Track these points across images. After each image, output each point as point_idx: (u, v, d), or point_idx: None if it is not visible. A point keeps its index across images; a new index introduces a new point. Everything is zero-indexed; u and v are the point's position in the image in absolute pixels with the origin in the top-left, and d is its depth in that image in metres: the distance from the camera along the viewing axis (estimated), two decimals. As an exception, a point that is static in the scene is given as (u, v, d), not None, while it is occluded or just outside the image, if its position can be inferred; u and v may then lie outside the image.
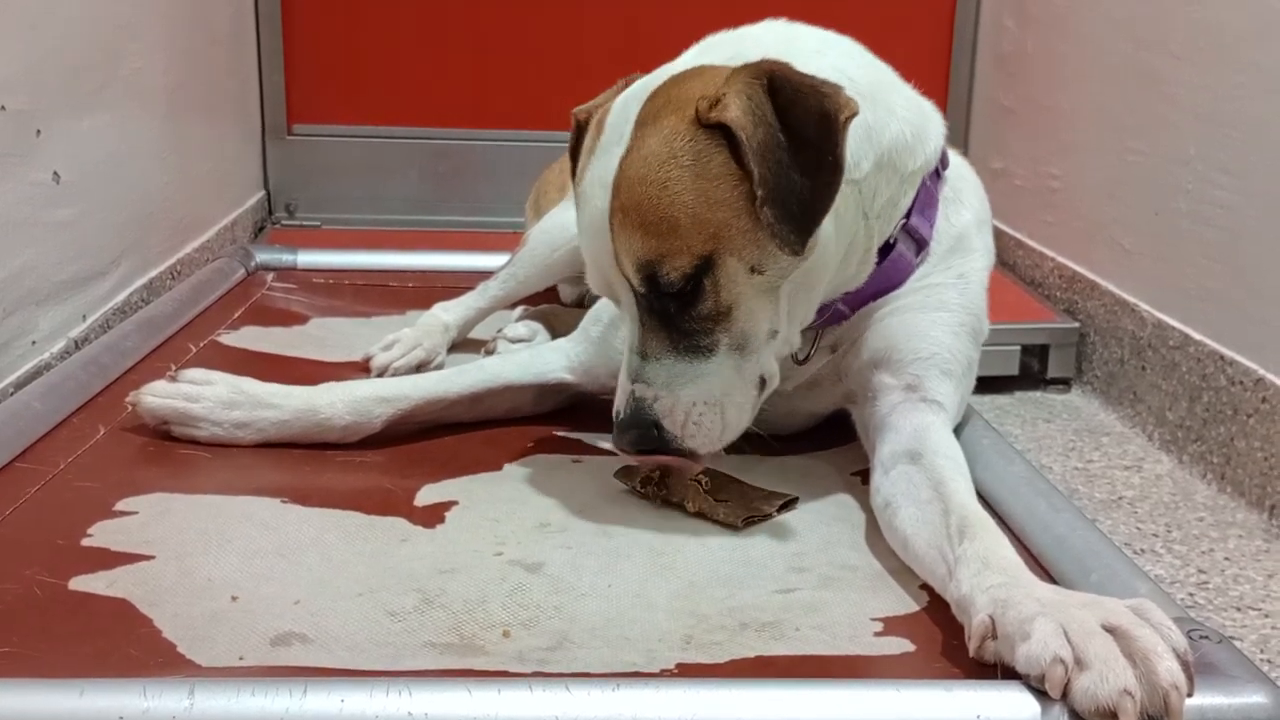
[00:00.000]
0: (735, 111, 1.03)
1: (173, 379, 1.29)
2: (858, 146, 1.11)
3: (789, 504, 1.19)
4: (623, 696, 0.80)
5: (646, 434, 1.09)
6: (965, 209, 1.28)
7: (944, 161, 1.25)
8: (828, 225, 1.09)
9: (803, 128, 1.03)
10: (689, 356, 1.08)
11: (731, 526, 1.14)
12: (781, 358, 1.16)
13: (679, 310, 1.07)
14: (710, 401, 1.08)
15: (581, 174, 1.13)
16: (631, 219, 1.06)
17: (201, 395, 1.27)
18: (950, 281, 1.25)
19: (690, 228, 1.04)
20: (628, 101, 1.12)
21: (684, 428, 1.08)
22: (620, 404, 1.11)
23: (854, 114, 1.05)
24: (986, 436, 1.31)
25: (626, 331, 1.12)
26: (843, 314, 1.23)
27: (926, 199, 1.21)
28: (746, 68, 1.06)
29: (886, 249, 1.20)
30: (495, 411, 1.39)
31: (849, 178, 1.10)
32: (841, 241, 1.14)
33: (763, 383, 1.12)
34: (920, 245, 1.22)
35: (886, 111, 1.16)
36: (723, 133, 1.04)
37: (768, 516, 1.16)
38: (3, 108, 1.47)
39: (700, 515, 1.15)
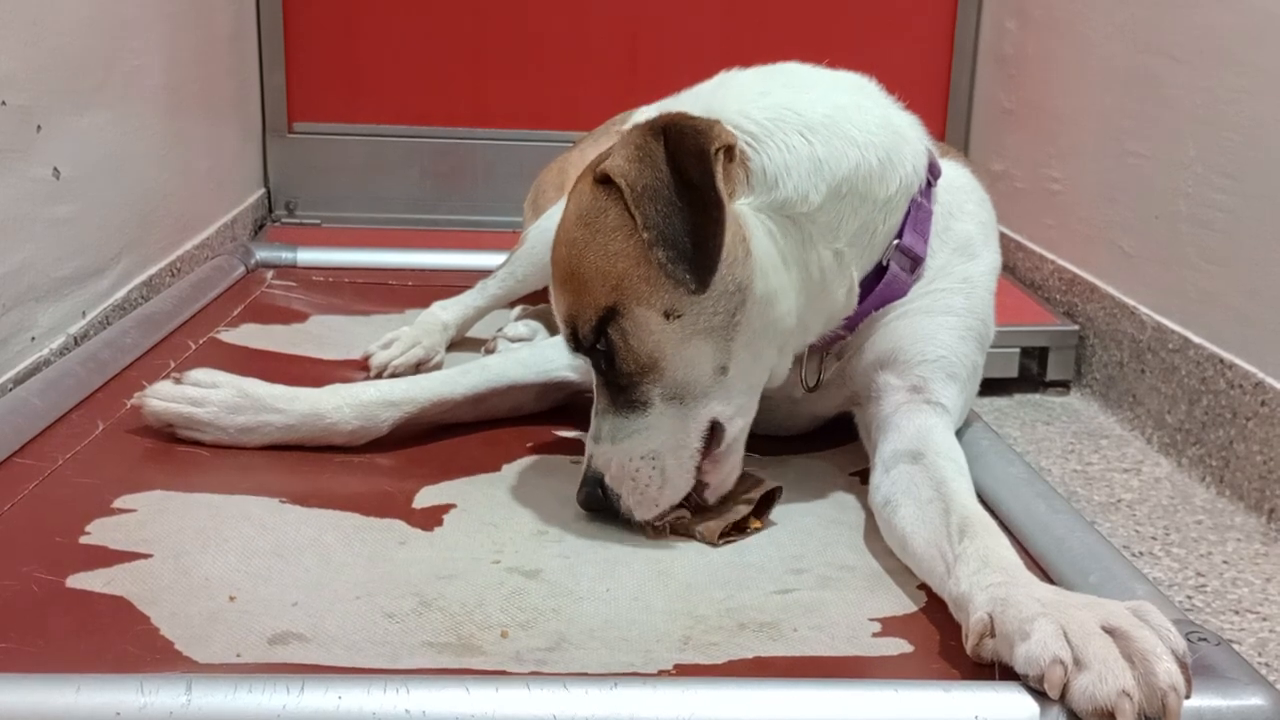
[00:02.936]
0: (617, 160, 1.06)
1: (177, 380, 1.29)
2: (803, 180, 1.11)
3: (770, 497, 1.16)
4: (620, 696, 0.80)
5: (593, 492, 1.11)
6: (963, 218, 1.27)
7: (935, 172, 1.24)
8: (766, 257, 1.09)
9: (687, 169, 1.05)
10: (627, 411, 1.09)
11: (709, 543, 1.11)
12: (775, 385, 1.17)
13: (608, 365, 1.09)
14: (646, 456, 1.09)
15: None
16: (557, 281, 1.12)
17: (206, 399, 1.26)
18: (956, 286, 1.24)
19: (594, 282, 1.07)
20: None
21: (623, 484, 1.10)
22: (584, 462, 1.14)
23: (727, 145, 1.06)
24: (985, 438, 1.31)
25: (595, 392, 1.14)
26: (841, 335, 1.23)
27: (919, 216, 1.21)
28: (645, 122, 1.09)
29: (882, 271, 1.20)
30: (498, 411, 1.39)
31: (796, 211, 1.11)
32: (795, 273, 1.13)
33: (714, 431, 1.11)
34: (915, 263, 1.22)
35: (844, 141, 1.14)
36: (617, 187, 1.06)
37: (746, 527, 1.13)
38: (3, 103, 1.47)
39: (675, 534, 1.12)
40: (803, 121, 1.12)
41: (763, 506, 1.16)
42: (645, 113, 1.81)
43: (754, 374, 1.13)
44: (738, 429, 1.12)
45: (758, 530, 1.14)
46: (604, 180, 1.08)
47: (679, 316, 1.07)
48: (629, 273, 1.06)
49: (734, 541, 1.12)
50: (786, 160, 1.11)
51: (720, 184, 1.04)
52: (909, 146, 1.20)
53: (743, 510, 1.13)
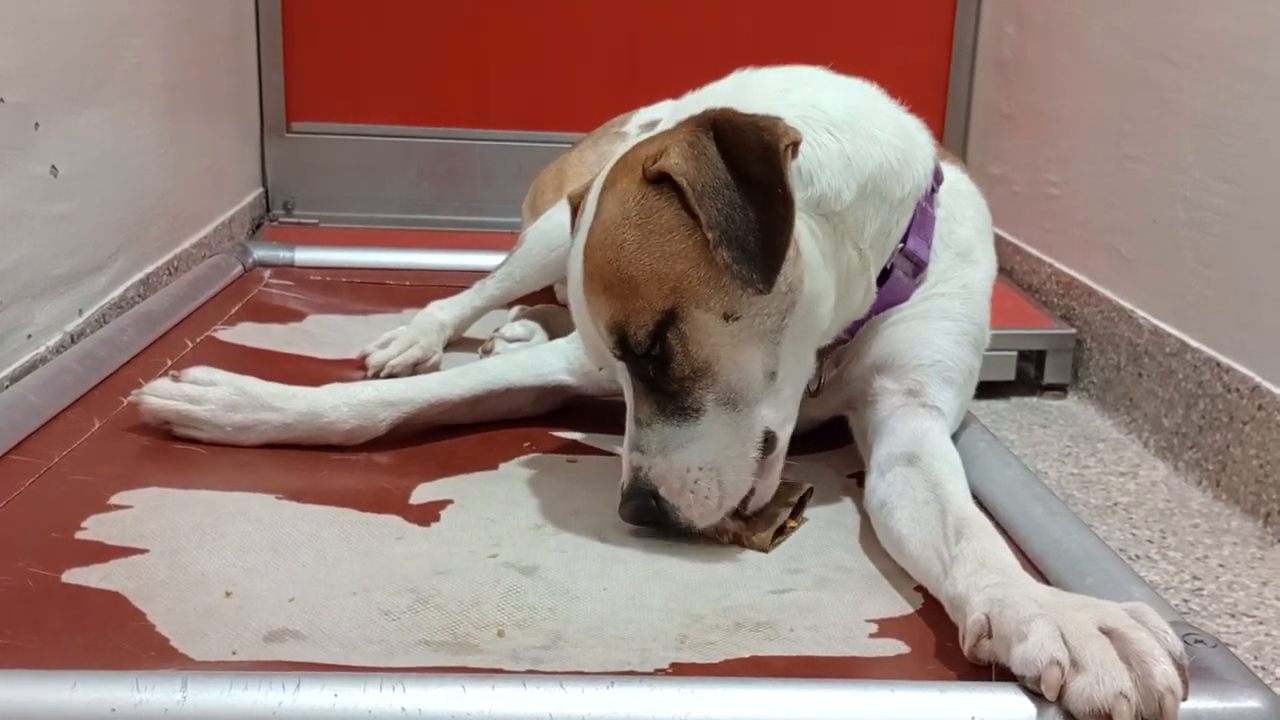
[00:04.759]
0: (674, 158, 1.03)
1: (175, 378, 1.28)
2: (836, 177, 1.11)
3: (804, 499, 1.16)
4: (617, 695, 0.80)
5: (645, 505, 1.07)
6: (964, 223, 1.27)
7: (938, 177, 1.24)
8: (811, 257, 1.08)
9: (748, 165, 1.03)
10: (678, 419, 1.06)
11: (762, 549, 1.10)
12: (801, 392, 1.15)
13: (658, 371, 1.05)
14: (705, 466, 1.06)
15: (569, 252, 1.14)
16: (597, 284, 1.06)
17: (204, 397, 1.26)
18: (954, 291, 1.24)
19: (649, 285, 1.03)
20: (602, 175, 1.13)
21: (681, 496, 1.06)
22: (623, 474, 1.10)
23: (794, 141, 1.04)
24: (983, 440, 1.31)
25: (626, 399, 1.10)
26: (843, 340, 1.23)
27: (923, 220, 1.21)
28: (690, 119, 1.07)
29: (884, 274, 1.20)
30: (495, 413, 1.38)
31: (830, 209, 1.10)
32: (832, 273, 1.12)
33: (768, 440, 1.09)
34: (918, 267, 1.22)
35: (867, 139, 1.14)
36: (670, 185, 1.04)
37: (787, 528, 1.13)
38: (1, 100, 1.47)
39: (736, 542, 1.11)
40: (828, 119, 1.12)
41: (798, 508, 1.16)
42: (645, 114, 1.81)
43: (797, 378, 1.12)
44: (786, 436, 1.11)
45: (794, 529, 1.14)
46: (657, 179, 1.05)
47: (737, 319, 1.04)
48: (688, 274, 1.03)
49: (780, 544, 1.11)
50: (820, 157, 1.10)
51: (790, 180, 1.03)
52: (919, 149, 1.20)
53: (784, 514, 1.13)
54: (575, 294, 1.10)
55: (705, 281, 1.03)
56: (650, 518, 1.08)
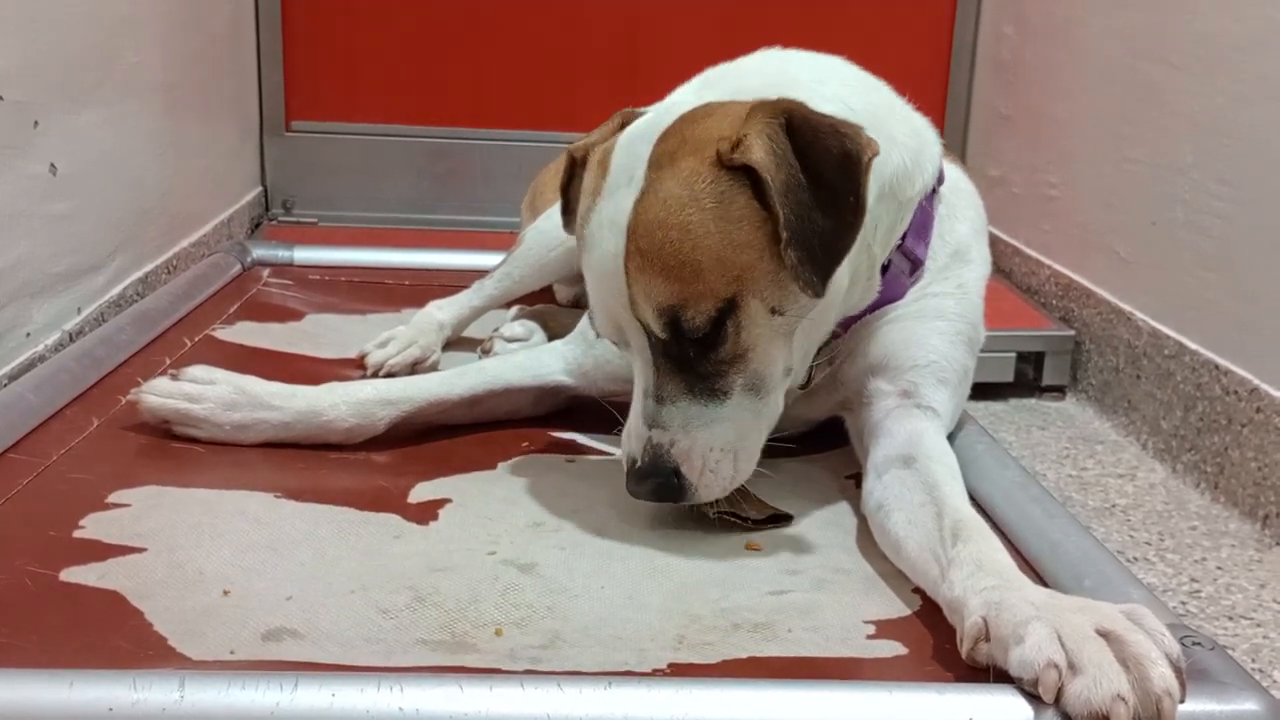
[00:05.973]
0: (759, 153, 1.01)
1: (174, 377, 1.28)
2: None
3: (774, 520, 1.15)
4: (615, 695, 0.80)
5: (667, 483, 1.07)
6: (961, 221, 1.27)
7: (940, 177, 1.24)
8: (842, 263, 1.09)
9: (823, 169, 1.02)
10: (704, 399, 1.06)
11: (705, 512, 1.11)
12: (789, 390, 1.15)
13: (698, 354, 1.05)
14: (726, 448, 1.07)
15: (585, 215, 1.10)
16: (651, 263, 1.03)
17: (203, 395, 1.26)
18: (949, 291, 1.24)
19: (714, 271, 1.02)
20: (634, 141, 1.09)
21: (701, 475, 1.07)
22: (636, 450, 1.08)
23: (875, 154, 1.04)
24: (981, 442, 1.31)
25: (638, 375, 1.09)
26: (837, 334, 1.23)
27: (922, 219, 1.21)
28: (764, 107, 1.04)
29: (882, 270, 1.20)
30: (494, 413, 1.38)
31: None
32: (848, 276, 1.13)
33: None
34: (915, 265, 1.22)
35: (888, 140, 1.13)
36: (746, 174, 1.02)
37: (746, 519, 1.13)
38: (1, 99, 1.47)
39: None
40: (856, 118, 1.10)
41: (767, 522, 1.15)
42: (645, 114, 1.81)
43: (798, 373, 1.14)
44: (771, 427, 1.12)
45: (747, 532, 1.13)
46: (733, 166, 1.03)
47: (781, 314, 1.05)
48: (754, 266, 1.03)
49: (726, 520, 1.12)
50: None
51: (866, 192, 1.03)
52: (929, 149, 1.20)
53: (751, 513, 1.13)
54: (604, 265, 1.07)
55: (766, 274, 1.04)
56: (670, 496, 1.08)
